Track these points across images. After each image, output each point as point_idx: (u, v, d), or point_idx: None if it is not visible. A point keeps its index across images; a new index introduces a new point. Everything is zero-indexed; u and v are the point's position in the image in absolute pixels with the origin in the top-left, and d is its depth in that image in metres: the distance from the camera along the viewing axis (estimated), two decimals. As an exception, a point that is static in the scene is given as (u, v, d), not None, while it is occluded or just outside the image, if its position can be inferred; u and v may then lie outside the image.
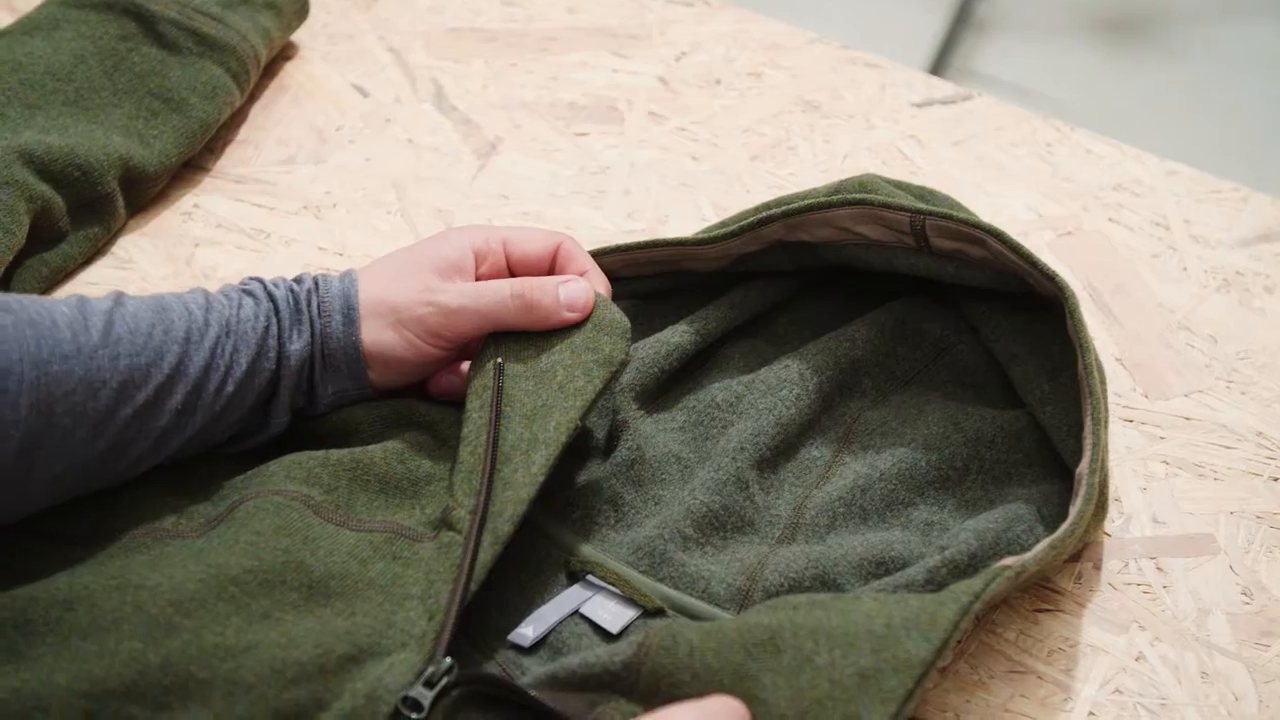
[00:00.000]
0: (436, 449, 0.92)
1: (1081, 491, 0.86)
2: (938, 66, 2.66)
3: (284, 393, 0.91)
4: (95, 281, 1.07)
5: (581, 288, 0.93)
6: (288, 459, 0.90)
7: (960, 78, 2.59)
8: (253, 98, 1.22)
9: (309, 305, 0.92)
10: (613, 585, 0.89)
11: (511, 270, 0.96)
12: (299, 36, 1.27)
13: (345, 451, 0.90)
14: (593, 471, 0.96)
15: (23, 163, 1.04)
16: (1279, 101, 2.80)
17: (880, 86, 1.27)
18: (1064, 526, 0.85)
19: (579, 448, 0.97)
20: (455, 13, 1.32)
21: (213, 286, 1.04)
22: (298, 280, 0.93)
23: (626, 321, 0.94)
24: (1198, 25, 2.99)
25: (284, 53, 1.26)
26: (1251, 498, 0.98)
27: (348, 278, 0.93)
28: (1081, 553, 0.94)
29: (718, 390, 0.99)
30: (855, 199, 0.97)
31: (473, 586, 0.82)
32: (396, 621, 0.82)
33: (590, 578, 0.89)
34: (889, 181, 1.02)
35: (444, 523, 0.86)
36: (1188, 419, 1.02)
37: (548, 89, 1.25)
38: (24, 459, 0.79)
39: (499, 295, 0.92)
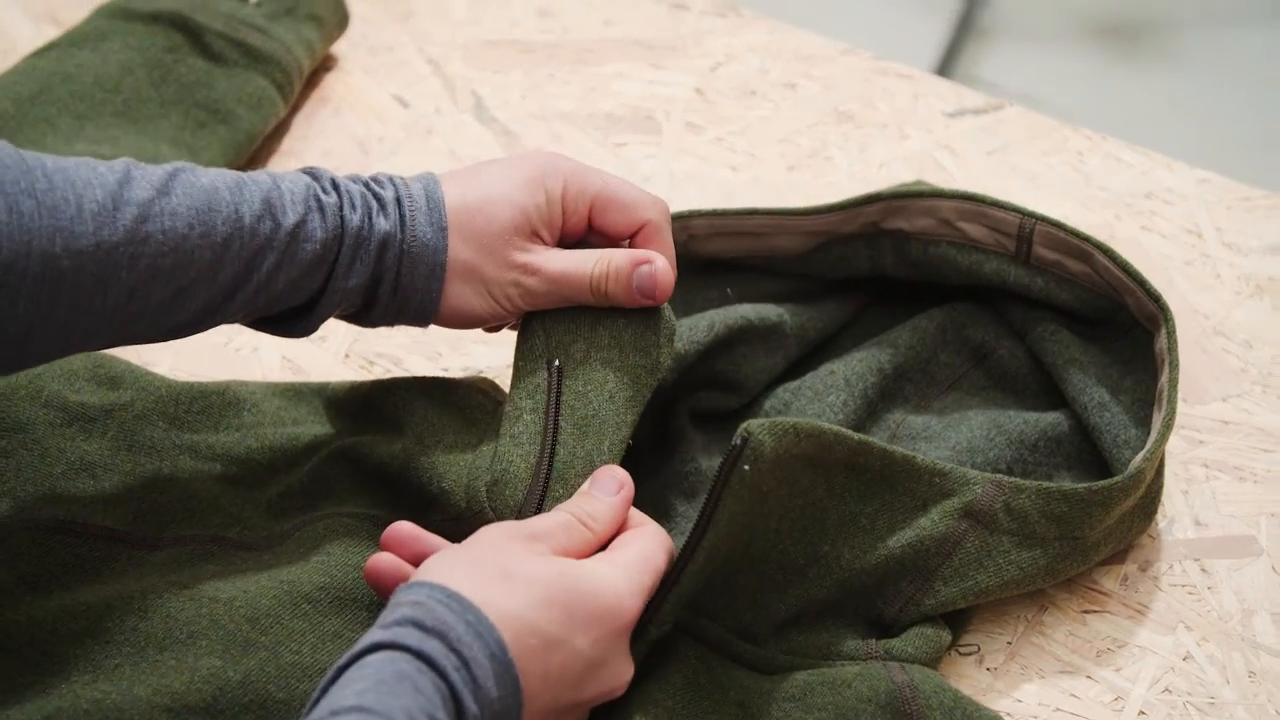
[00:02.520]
0: (476, 442, 0.91)
1: (1163, 407, 0.91)
2: (943, 75, 2.68)
3: (324, 309, 0.87)
4: (147, 290, 1.08)
5: (658, 273, 0.88)
6: (339, 464, 0.91)
7: (966, 86, 2.60)
8: (295, 109, 1.23)
9: (384, 249, 0.86)
10: None
11: (590, 224, 0.90)
12: (338, 48, 1.29)
13: (398, 459, 0.90)
14: (644, 481, 0.96)
15: (76, 174, 1.05)
16: (1274, 106, 2.82)
17: (913, 97, 1.29)
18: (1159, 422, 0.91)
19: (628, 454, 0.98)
20: (491, 24, 1.34)
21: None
22: (379, 200, 0.86)
23: (675, 323, 0.92)
24: (1195, 31, 3.02)
25: (324, 64, 1.28)
26: (1291, 500, 1.00)
27: (437, 228, 0.86)
28: (1126, 555, 0.96)
29: (765, 399, 1.01)
30: (965, 194, 0.99)
31: None
32: None
33: None
34: (936, 189, 1.04)
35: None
36: (1226, 423, 1.04)
37: (585, 100, 1.27)
38: (17, 341, 0.77)
39: (579, 284, 0.87)
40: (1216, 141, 2.62)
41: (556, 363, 0.88)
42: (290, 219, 0.82)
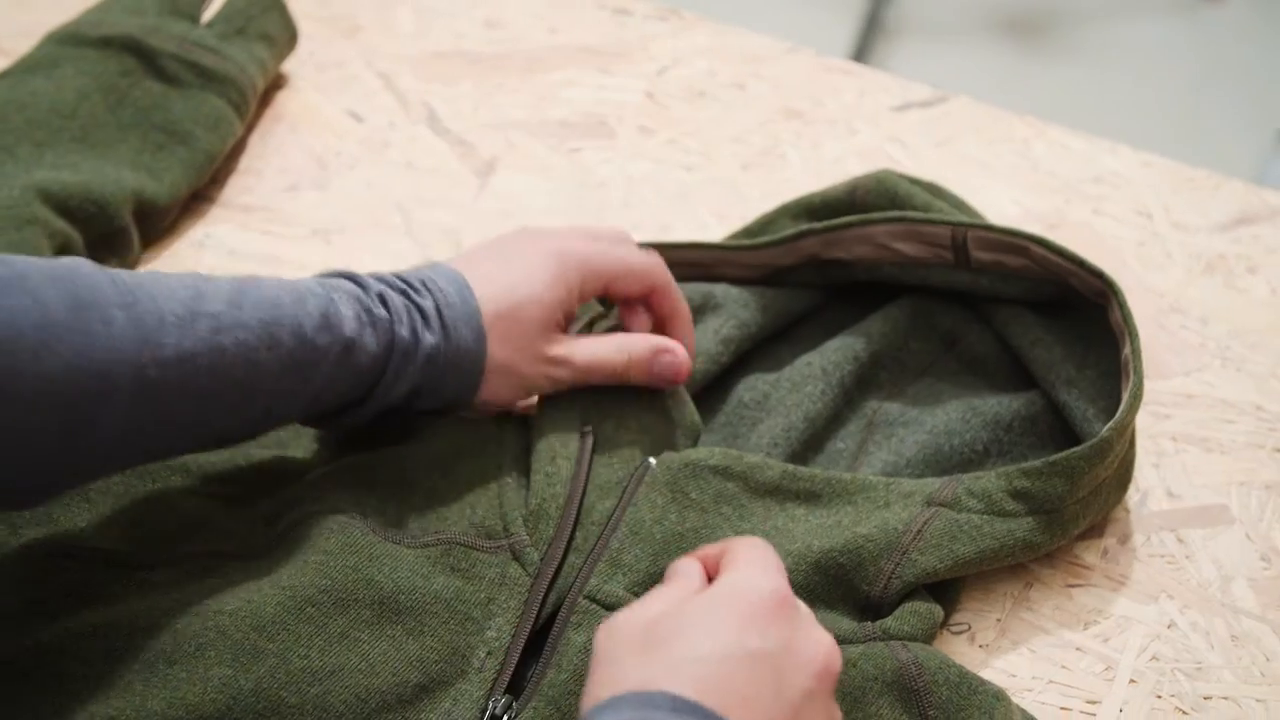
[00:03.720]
0: (479, 448, 0.93)
1: (1130, 383, 0.94)
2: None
3: (365, 413, 0.91)
4: (116, 314, 1.08)
5: (676, 363, 0.96)
6: (331, 475, 0.91)
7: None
8: (250, 128, 1.24)
9: (430, 361, 0.90)
10: None
11: (606, 291, 0.98)
12: (288, 66, 1.29)
13: (389, 465, 0.92)
14: None
15: (41, 200, 1.05)
16: (1176, 94, 2.87)
17: (859, 93, 1.31)
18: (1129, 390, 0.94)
19: None
20: (438, 37, 1.35)
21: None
22: (421, 313, 0.90)
23: (700, 425, 0.99)
24: (1097, 24, 3.07)
25: (276, 83, 1.28)
26: (1258, 469, 1.02)
27: (476, 335, 0.91)
28: (1105, 528, 0.98)
29: (743, 390, 1.03)
30: (894, 216, 1.01)
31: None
32: (459, 647, 0.83)
33: None
34: (903, 177, 1.06)
35: (511, 551, 0.88)
36: (1189, 397, 1.07)
37: (537, 108, 1.28)
38: (103, 451, 0.79)
39: (605, 373, 0.95)
40: (1121, 130, 2.68)
41: (589, 428, 0.94)
42: (346, 333, 0.86)
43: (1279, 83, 2.95)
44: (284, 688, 0.79)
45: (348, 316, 0.86)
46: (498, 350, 0.92)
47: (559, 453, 0.92)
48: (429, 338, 0.89)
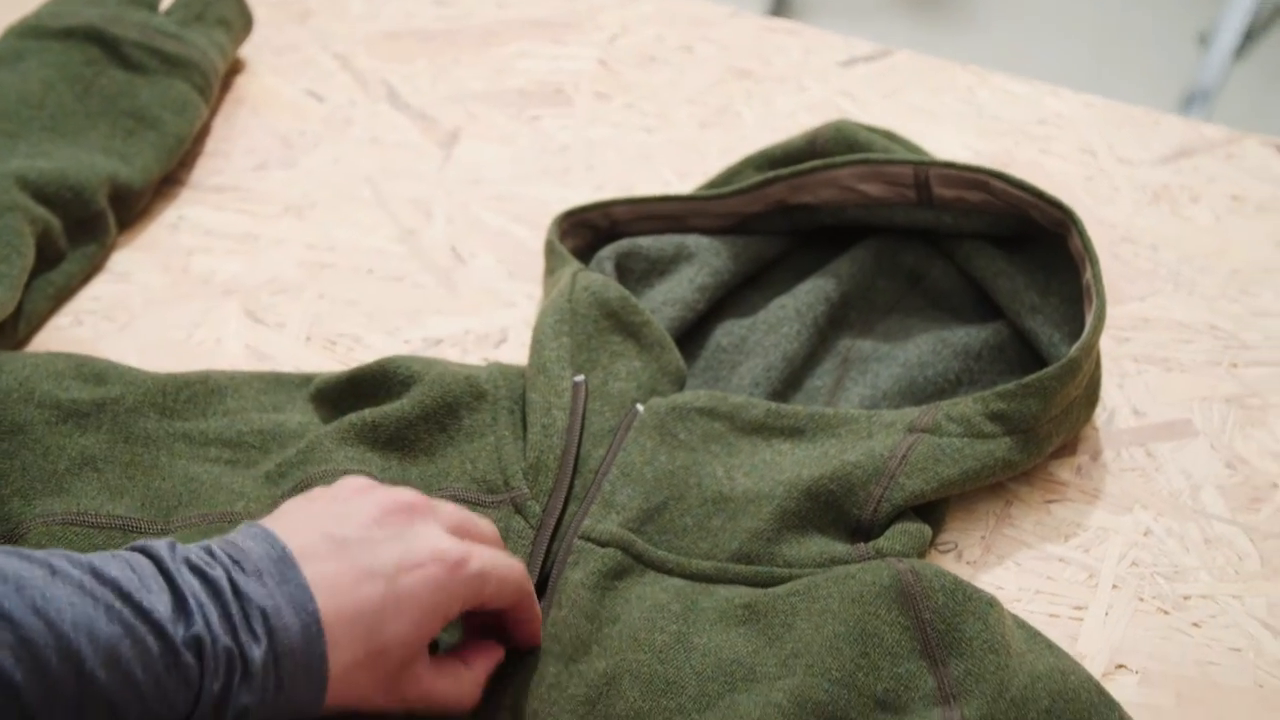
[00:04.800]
0: (475, 401, 0.96)
1: (1094, 305, 0.98)
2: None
3: None
4: (98, 296, 1.10)
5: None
6: (333, 435, 0.94)
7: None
8: (213, 112, 1.25)
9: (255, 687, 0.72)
10: None
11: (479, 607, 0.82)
12: (245, 51, 1.31)
13: (389, 423, 0.94)
14: None
15: (19, 187, 1.07)
16: (1080, 59, 2.94)
17: (804, 51, 1.35)
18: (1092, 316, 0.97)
19: None
20: (389, 17, 1.37)
21: (211, 292, 1.09)
22: (245, 665, 0.72)
23: (684, 370, 1.02)
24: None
25: (234, 67, 1.30)
26: (1217, 384, 1.06)
27: (317, 687, 0.74)
28: (1077, 446, 1.02)
29: (720, 335, 1.06)
30: (858, 158, 1.05)
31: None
32: None
33: None
34: (860, 125, 1.10)
35: (513, 504, 0.91)
36: (1146, 320, 1.11)
37: (494, 80, 1.31)
38: None
39: (453, 709, 0.81)
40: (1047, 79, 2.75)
41: (581, 377, 0.96)
42: (137, 680, 0.70)
43: (1170, 39, 3.02)
44: None
45: (145, 655, 0.70)
46: (340, 696, 0.75)
47: (553, 404, 0.95)
48: (244, 698, 0.71)
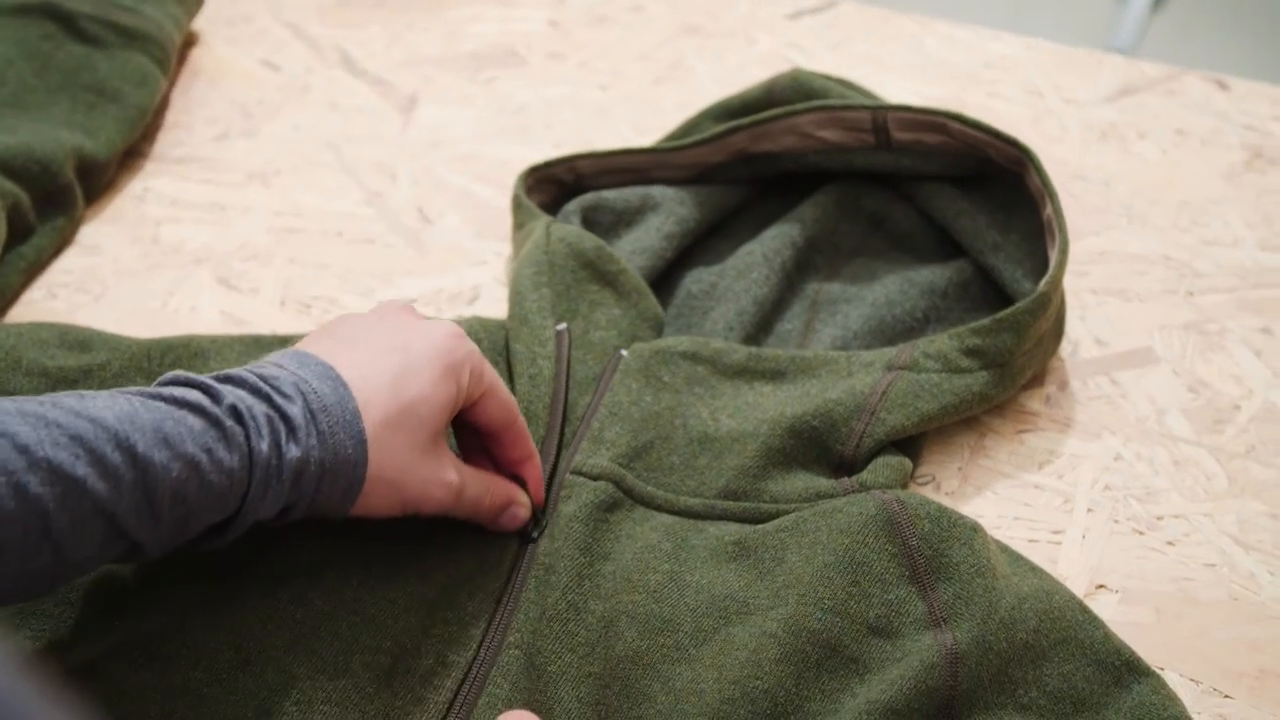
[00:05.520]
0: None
1: (1057, 239, 1.00)
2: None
3: (234, 532, 0.79)
4: (70, 269, 1.10)
5: (519, 521, 0.88)
6: None
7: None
8: (170, 84, 1.26)
9: (299, 476, 0.78)
10: None
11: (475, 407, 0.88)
12: (197, 24, 1.32)
13: None
14: None
15: (-14, 163, 1.07)
16: (1000, 14, 2.97)
17: (752, 4, 1.37)
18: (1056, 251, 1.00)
19: None
20: (338, -15, 1.38)
21: (182, 261, 1.10)
22: (286, 422, 0.77)
23: (662, 316, 1.04)
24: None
25: (188, 40, 1.30)
26: (1174, 312, 1.09)
27: (357, 443, 0.79)
28: (1044, 378, 1.04)
29: (690, 283, 1.08)
30: (817, 105, 1.07)
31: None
32: (478, 545, 0.88)
33: None
34: (815, 74, 1.12)
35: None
36: (1102, 253, 1.14)
37: (448, 44, 1.32)
38: None
39: (472, 508, 0.87)
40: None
41: (563, 325, 0.98)
42: (189, 449, 0.73)
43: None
44: (317, 596, 0.83)
45: (191, 431, 0.73)
46: (383, 465, 0.80)
47: (538, 353, 0.97)
48: (294, 450, 0.76)
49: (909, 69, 1.30)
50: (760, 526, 0.90)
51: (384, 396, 0.80)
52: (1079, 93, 1.27)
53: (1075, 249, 1.13)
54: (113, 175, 1.18)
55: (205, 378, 0.77)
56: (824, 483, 0.93)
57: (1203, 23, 2.96)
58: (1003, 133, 1.04)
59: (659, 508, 0.92)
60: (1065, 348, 1.06)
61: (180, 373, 0.78)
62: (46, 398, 0.71)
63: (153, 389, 0.76)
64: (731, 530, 0.91)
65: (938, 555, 0.87)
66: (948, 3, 2.93)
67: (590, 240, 1.02)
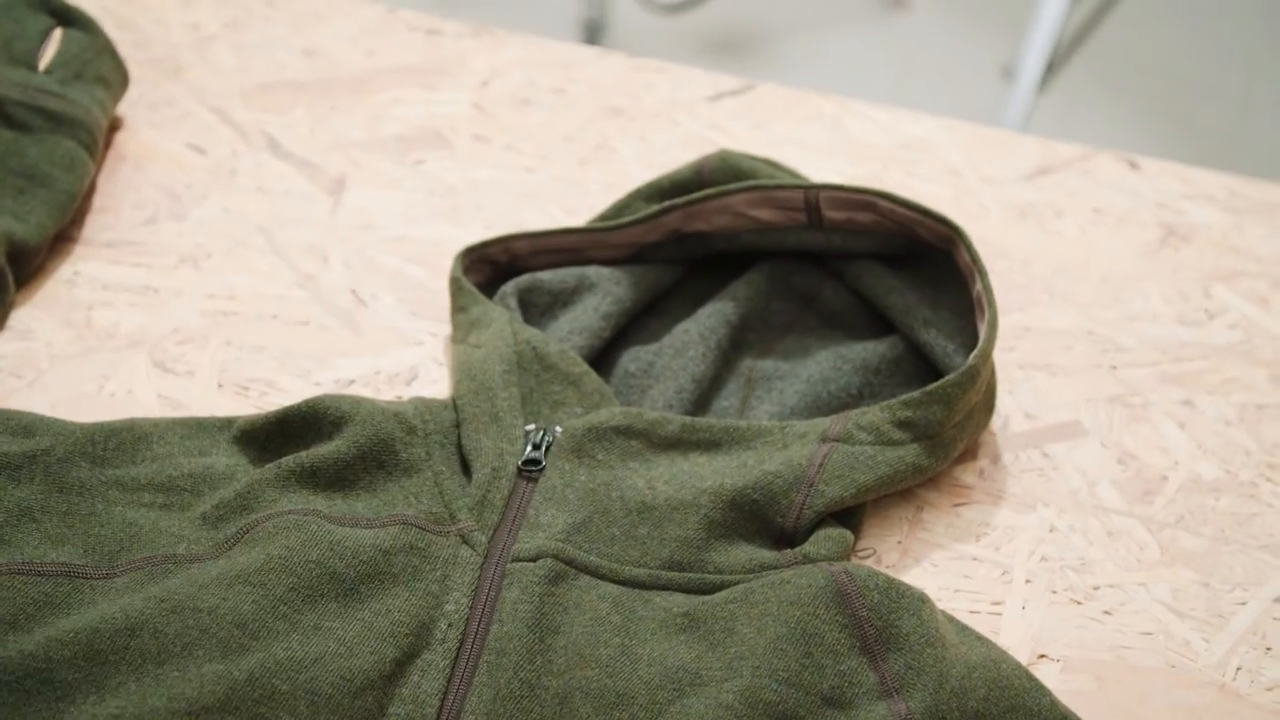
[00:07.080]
0: (408, 436, 0.98)
1: (986, 314, 1.02)
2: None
3: None
4: (3, 354, 1.09)
5: None
6: (275, 479, 0.95)
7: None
8: (96, 169, 1.26)
9: None
10: None
11: None
12: (121, 109, 1.32)
13: (326, 466, 0.96)
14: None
15: (-82, 250, 1.07)
16: (887, 90, 3.03)
17: (672, 87, 1.39)
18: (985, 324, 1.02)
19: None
20: (261, 69, 1.39)
21: (117, 345, 1.09)
22: None
23: (611, 396, 1.04)
24: (792, 37, 3.21)
25: (112, 125, 1.30)
26: (1099, 385, 1.12)
27: None
28: (977, 452, 1.06)
29: (628, 362, 1.09)
30: (750, 185, 1.09)
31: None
32: (424, 621, 0.88)
33: None
34: (743, 154, 1.14)
35: (460, 536, 0.93)
36: (1027, 329, 1.16)
37: (372, 127, 1.33)
38: None
39: None
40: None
41: (533, 425, 1.00)
42: None
43: (974, 74, 3.13)
44: (274, 676, 0.83)
45: None
46: None
47: (506, 450, 0.98)
48: None
49: (829, 149, 1.32)
50: (708, 598, 0.91)
51: None
52: (996, 172, 1.30)
53: (1002, 325, 1.16)
54: (43, 260, 1.17)
55: None
56: (767, 554, 0.94)
57: (1087, 101, 3.04)
58: (932, 210, 1.07)
59: (604, 577, 0.92)
60: (996, 421, 1.09)
61: None
62: None
63: None
64: (679, 601, 0.91)
65: (888, 626, 0.88)
66: (843, 83, 2.99)
67: (554, 345, 1.04)
